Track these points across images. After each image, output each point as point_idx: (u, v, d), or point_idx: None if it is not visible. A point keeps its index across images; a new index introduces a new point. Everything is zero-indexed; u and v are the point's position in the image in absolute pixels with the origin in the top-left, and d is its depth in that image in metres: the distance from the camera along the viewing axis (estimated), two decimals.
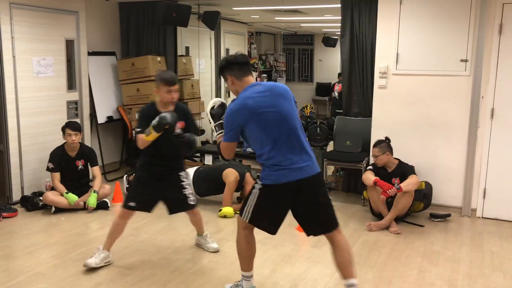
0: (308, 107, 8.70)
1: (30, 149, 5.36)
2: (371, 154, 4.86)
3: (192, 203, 3.85)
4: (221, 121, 3.19)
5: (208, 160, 6.24)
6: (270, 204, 2.97)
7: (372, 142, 4.92)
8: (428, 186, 4.88)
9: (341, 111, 6.59)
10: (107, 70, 6.59)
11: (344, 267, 2.96)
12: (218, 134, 3.17)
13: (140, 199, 3.69)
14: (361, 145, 5.40)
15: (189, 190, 3.83)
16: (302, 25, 10.21)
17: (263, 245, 4.18)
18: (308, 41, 12.51)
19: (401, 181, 4.49)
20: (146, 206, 3.76)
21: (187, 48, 7.57)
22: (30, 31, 5.27)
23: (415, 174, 4.58)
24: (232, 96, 3.28)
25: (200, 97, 7.37)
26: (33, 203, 5.06)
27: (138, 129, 3.56)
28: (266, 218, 3.02)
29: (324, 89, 12.02)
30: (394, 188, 4.36)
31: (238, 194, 5.31)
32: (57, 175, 5.04)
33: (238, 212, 4.88)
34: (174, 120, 3.44)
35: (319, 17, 8.45)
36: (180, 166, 3.84)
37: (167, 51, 6.65)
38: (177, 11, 6.11)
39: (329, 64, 12.36)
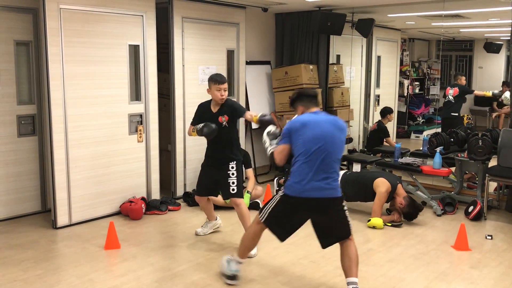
0: (465, 118, 8.11)
1: (192, 149, 5.88)
2: None
3: (232, 192, 4.12)
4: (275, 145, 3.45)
5: (356, 168, 6.17)
6: (285, 213, 3.24)
7: None
8: None
9: (457, 114, 7.13)
10: (262, 79, 6.93)
11: (348, 269, 3.23)
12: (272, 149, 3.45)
13: (200, 186, 4.32)
14: None
15: (233, 180, 4.12)
16: (461, 30, 9.55)
17: (415, 260, 4.02)
18: (467, 47, 11.62)
19: None
20: (201, 192, 4.34)
21: (338, 56, 7.60)
22: (198, 42, 5.78)
23: None
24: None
25: (349, 105, 7.35)
26: (193, 199, 5.51)
27: (192, 121, 4.26)
28: (279, 225, 3.30)
29: (484, 98, 11.03)
30: None
31: (387, 205, 5.16)
32: None
33: (389, 224, 4.83)
34: (208, 134, 3.97)
35: (483, 21, 7.82)
36: (230, 157, 4.16)
37: (319, 60, 6.76)
38: (332, 20, 6.18)
39: (491, 72, 11.32)
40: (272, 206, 3.28)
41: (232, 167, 4.16)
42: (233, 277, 3.52)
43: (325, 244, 3.36)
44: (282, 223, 3.30)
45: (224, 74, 6.14)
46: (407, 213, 4.88)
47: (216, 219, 4.66)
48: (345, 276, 3.26)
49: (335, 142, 3.19)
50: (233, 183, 4.14)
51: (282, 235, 3.35)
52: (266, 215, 3.30)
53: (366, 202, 5.15)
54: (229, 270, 3.53)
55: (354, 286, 3.19)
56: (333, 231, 3.30)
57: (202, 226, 4.64)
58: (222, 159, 4.17)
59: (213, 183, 4.30)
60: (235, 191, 4.14)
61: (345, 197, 5.03)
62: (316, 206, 3.15)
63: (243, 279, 3.62)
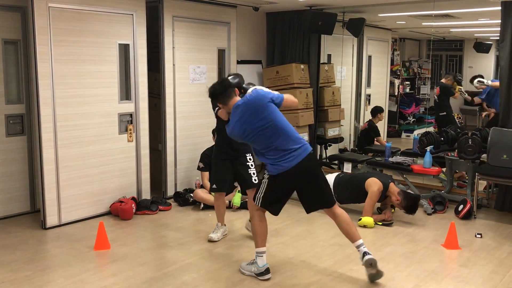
0: (455, 117, 8.14)
1: (183, 149, 5.85)
2: None
3: (255, 182, 4.26)
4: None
5: (347, 168, 6.18)
6: (277, 189, 3.52)
7: None
8: None
9: (444, 113, 7.27)
10: (253, 78, 6.91)
11: (350, 233, 3.54)
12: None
13: (218, 181, 4.34)
14: None
15: (253, 171, 4.32)
16: (451, 30, 9.61)
17: (405, 259, 4.04)
18: (457, 47, 11.70)
19: None
20: (224, 187, 4.38)
21: (329, 56, 7.61)
22: (188, 41, 5.76)
23: None
24: None
25: (340, 104, 7.36)
26: (184, 199, 5.52)
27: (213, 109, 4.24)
28: (273, 201, 3.55)
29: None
30: None
31: (378, 204, 5.17)
32: (206, 174, 5.43)
33: (380, 223, 4.84)
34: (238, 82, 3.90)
35: (473, 21, 7.87)
36: (246, 149, 4.29)
37: (310, 59, 6.76)
38: (323, 19, 6.19)
39: (480, 71, 11.36)
40: (264, 190, 3.54)
41: (250, 159, 4.33)
42: (266, 271, 3.59)
43: (309, 209, 3.63)
44: (275, 200, 3.56)
45: (215, 73, 6.15)
46: (407, 206, 4.78)
47: (225, 225, 4.55)
48: (351, 241, 3.56)
49: (268, 121, 3.42)
50: (253, 173, 4.32)
51: (276, 211, 3.60)
52: (260, 200, 3.56)
53: (360, 203, 5.14)
54: (259, 268, 3.59)
55: (364, 248, 3.48)
56: (318, 197, 3.55)
57: (214, 231, 4.45)
58: (240, 151, 4.27)
59: (233, 178, 4.41)
60: (257, 181, 4.25)
61: (338, 200, 5.08)
62: (299, 169, 3.42)
63: (234, 279, 3.62)
